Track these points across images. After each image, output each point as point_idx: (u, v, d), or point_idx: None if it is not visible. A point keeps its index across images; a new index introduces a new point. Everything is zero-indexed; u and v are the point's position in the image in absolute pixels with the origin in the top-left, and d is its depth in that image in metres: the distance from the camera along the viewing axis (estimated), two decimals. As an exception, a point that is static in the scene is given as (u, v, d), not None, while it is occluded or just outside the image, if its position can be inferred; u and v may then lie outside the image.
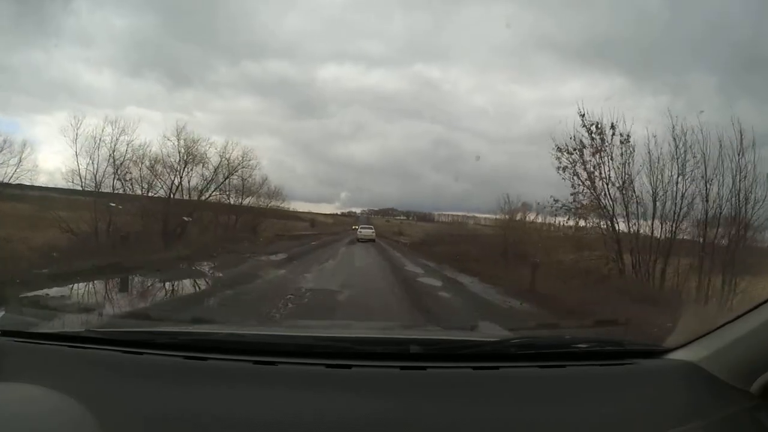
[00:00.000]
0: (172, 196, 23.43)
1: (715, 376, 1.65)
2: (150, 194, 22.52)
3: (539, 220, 20.83)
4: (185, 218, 25.02)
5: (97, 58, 47.71)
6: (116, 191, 20.50)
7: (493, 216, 26.97)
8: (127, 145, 20.52)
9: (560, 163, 14.04)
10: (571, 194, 13.99)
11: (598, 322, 4.42)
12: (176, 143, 23.86)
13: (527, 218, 21.28)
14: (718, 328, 1.74)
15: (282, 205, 37.63)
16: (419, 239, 38.11)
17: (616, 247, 13.00)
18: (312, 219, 71.84)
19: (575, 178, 13.92)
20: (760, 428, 1.51)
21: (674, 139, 12.07)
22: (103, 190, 19.65)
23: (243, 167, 28.07)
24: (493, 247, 21.27)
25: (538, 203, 15.98)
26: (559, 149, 14.06)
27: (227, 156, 26.83)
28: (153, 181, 22.79)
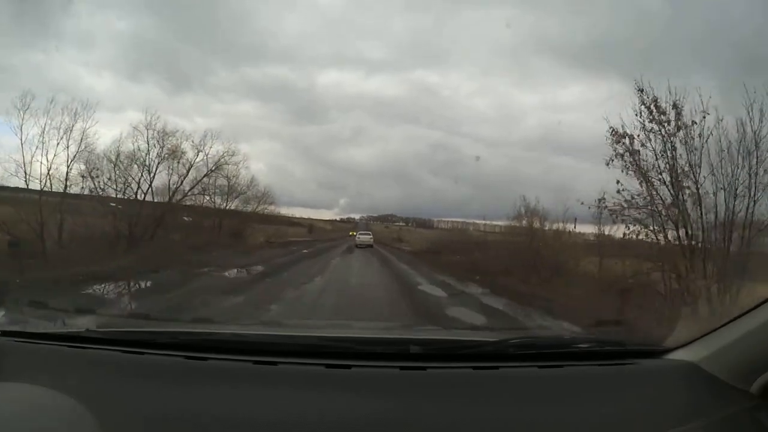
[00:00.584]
0: (143, 196, 20.76)
1: (715, 376, 1.65)
2: (121, 195, 20.02)
3: (553, 226, 17.99)
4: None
5: (97, 61, 47.45)
6: (70, 189, 17.58)
7: (500, 222, 24.06)
8: (83, 133, 17.21)
9: (615, 150, 10.89)
10: (618, 191, 11.00)
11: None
12: (146, 135, 20.77)
13: (549, 225, 18.02)
14: (718, 328, 1.74)
15: (276, 209, 35.10)
16: (424, 247, 35.95)
17: (688, 258, 9.76)
18: (310, 225, 72.00)
19: (630, 171, 10.70)
20: (760, 428, 1.51)
21: (747, 121, 9.26)
22: (58, 189, 16.72)
23: (225, 164, 24.75)
24: (512, 256, 17.91)
25: (582, 201, 12.54)
26: (614, 132, 10.91)
27: (206, 151, 23.57)
28: (118, 178, 20.09)
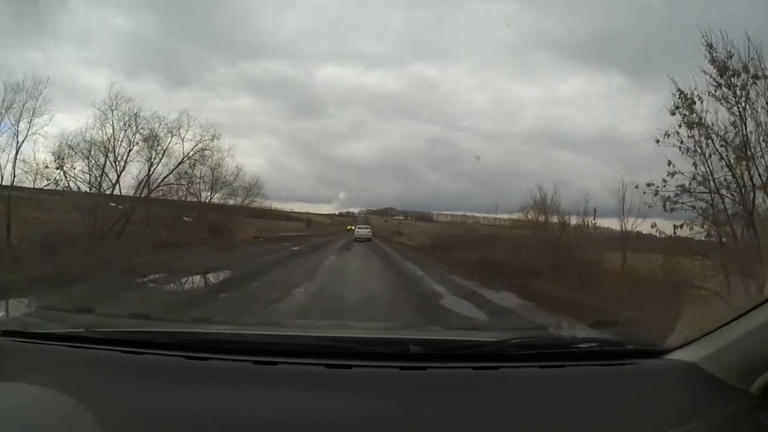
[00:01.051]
0: (111, 188, 18.69)
1: (715, 376, 1.65)
2: (93, 188, 17.97)
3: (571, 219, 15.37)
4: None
5: (94, 59, 47.38)
6: (35, 181, 16.03)
7: (504, 215, 23.60)
8: (32, 113, 15.06)
9: (684, 118, 8.80)
10: (671, 174, 8.89)
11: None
12: (110, 117, 18.49)
13: (567, 217, 15.54)
14: (718, 328, 1.74)
15: (267, 202, 32.74)
16: (426, 241, 34.49)
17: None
18: (308, 219, 72.51)
19: (687, 148, 8.70)
20: (760, 428, 1.51)
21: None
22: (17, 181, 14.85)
23: (205, 149, 21.78)
24: (533, 253, 15.19)
25: (637, 185, 10.32)
26: (682, 94, 8.79)
27: (181, 135, 20.68)
28: (84, 168, 17.91)
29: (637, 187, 10.20)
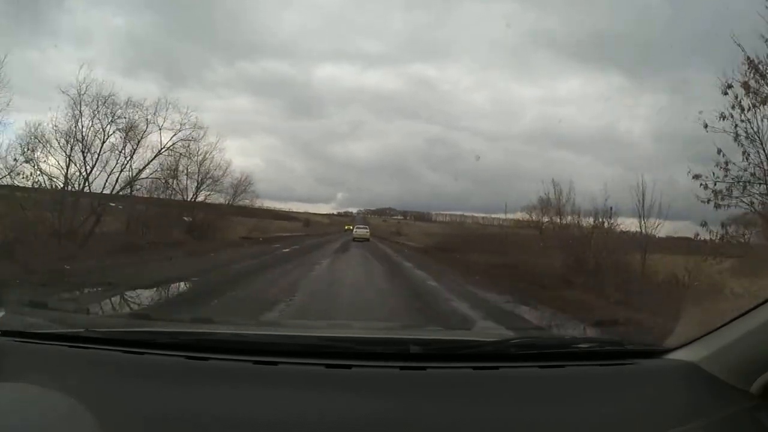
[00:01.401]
0: (82, 185, 16.77)
1: (715, 376, 1.65)
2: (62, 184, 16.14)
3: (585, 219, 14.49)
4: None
5: (91, 58, 47.26)
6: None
7: (505, 215, 23.11)
8: None
9: (737, 98, 7.60)
10: (717, 165, 7.84)
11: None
12: (78, 103, 16.61)
13: (580, 217, 14.64)
14: (718, 328, 1.74)
15: (260, 200, 31.33)
16: (430, 242, 33.28)
17: None
18: (306, 219, 72.75)
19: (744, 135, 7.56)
20: (760, 428, 1.51)
21: None
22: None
23: (188, 139, 20.17)
24: (541, 253, 14.06)
25: (695, 175, 8.76)
26: (752, 64, 7.50)
27: (159, 123, 18.81)
28: (47, 161, 16.19)
29: (694, 178, 8.74)
